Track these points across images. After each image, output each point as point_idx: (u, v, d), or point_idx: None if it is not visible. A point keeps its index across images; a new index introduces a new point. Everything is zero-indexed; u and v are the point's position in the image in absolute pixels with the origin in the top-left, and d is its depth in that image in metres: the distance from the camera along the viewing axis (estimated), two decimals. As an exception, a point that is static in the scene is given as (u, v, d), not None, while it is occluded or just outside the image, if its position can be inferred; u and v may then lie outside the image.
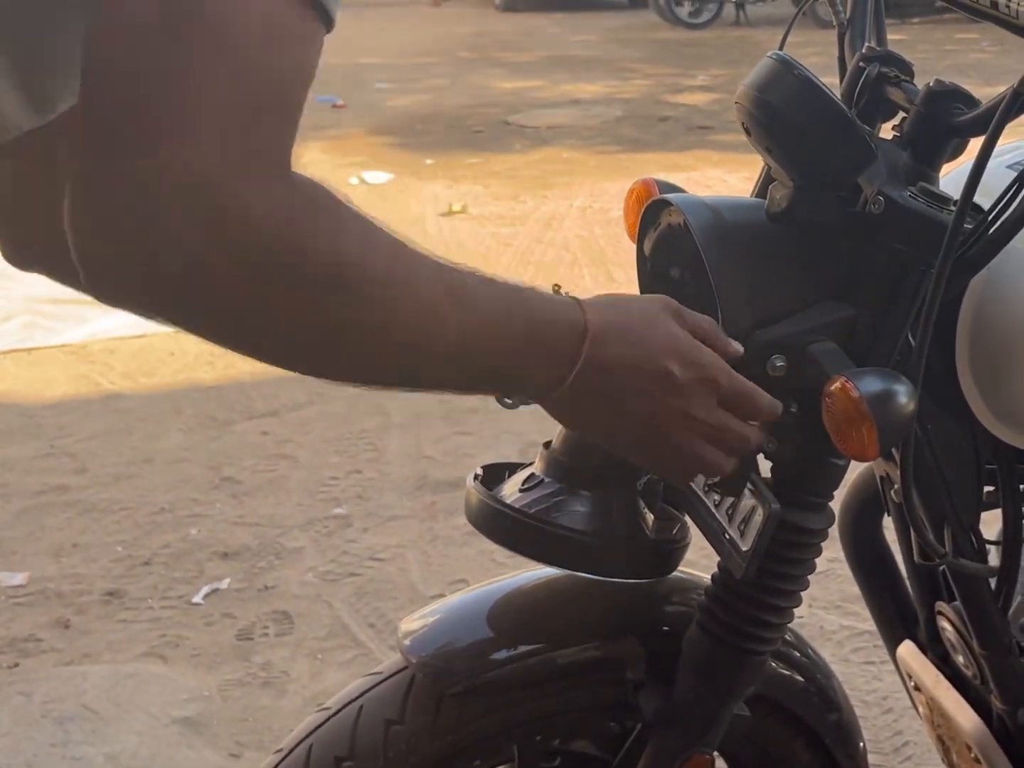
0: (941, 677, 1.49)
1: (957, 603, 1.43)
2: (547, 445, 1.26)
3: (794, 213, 1.12)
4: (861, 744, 1.41)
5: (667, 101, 9.42)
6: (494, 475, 1.28)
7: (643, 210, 1.23)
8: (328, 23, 0.78)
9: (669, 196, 1.18)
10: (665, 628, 1.28)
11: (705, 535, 1.21)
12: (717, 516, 1.18)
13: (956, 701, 1.45)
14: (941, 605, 1.47)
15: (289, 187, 0.76)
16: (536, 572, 1.34)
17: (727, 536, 1.16)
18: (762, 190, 1.32)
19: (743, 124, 1.12)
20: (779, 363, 1.10)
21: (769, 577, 1.17)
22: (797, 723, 1.35)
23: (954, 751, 1.52)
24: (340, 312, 0.80)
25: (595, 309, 0.95)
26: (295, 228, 0.76)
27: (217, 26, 0.71)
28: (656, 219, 1.22)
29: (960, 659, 1.47)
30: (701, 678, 1.22)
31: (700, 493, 1.21)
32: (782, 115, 1.08)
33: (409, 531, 3.19)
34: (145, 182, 0.71)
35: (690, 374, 0.98)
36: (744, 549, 1.14)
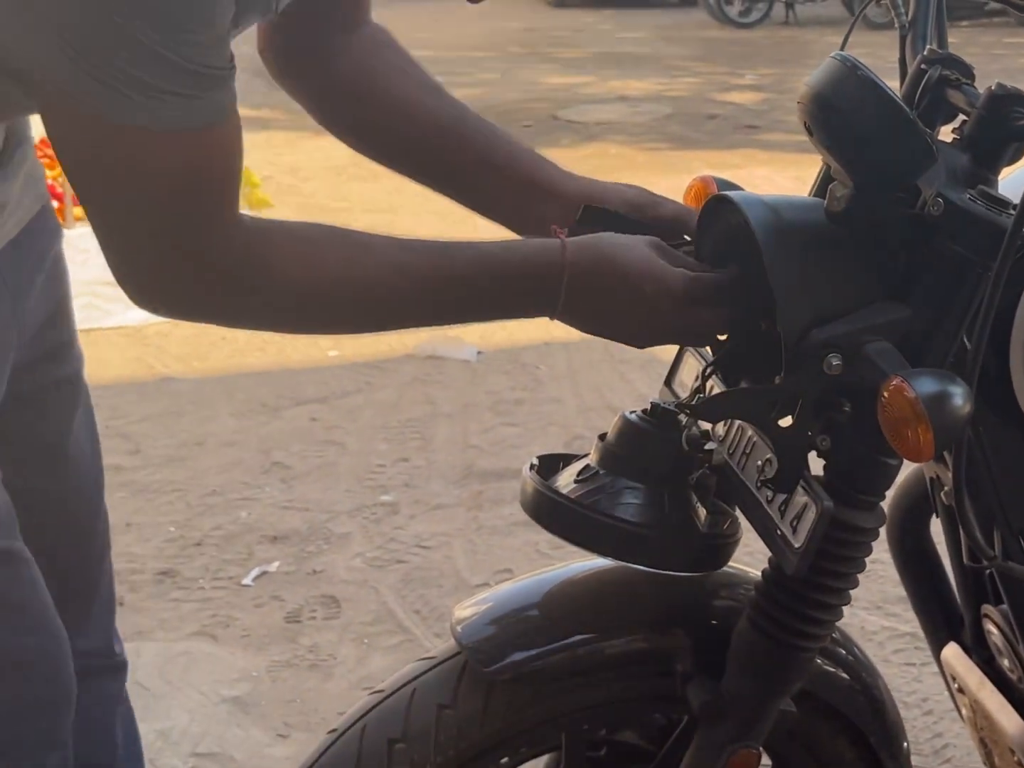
0: (986, 680, 1.48)
1: (1004, 606, 1.42)
2: (602, 437, 1.26)
3: (853, 213, 1.12)
4: (905, 744, 1.40)
5: (715, 99, 9.37)
6: (549, 465, 1.29)
7: (702, 207, 1.23)
8: (198, 123, 0.98)
9: (729, 193, 1.18)
10: (714, 622, 1.27)
11: (756, 530, 1.20)
12: (769, 512, 1.18)
13: (1000, 704, 1.44)
14: (988, 608, 1.46)
15: (232, 234, 1.03)
16: (585, 563, 1.35)
17: (779, 532, 1.15)
18: (820, 189, 1.32)
19: (804, 123, 1.12)
20: (835, 361, 1.09)
21: (819, 574, 1.16)
22: (842, 721, 1.34)
23: (996, 754, 1.51)
24: (314, 311, 1.09)
25: (575, 244, 1.14)
26: (247, 275, 1.04)
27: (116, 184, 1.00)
28: (715, 216, 1.22)
29: (1006, 663, 1.46)
30: (749, 673, 1.22)
31: (752, 488, 1.21)
32: (844, 115, 1.08)
33: (455, 520, 3.20)
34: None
35: (658, 287, 1.14)
36: (796, 546, 1.13)
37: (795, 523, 1.14)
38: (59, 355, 1.40)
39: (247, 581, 2.95)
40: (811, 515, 1.12)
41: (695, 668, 1.25)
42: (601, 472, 1.23)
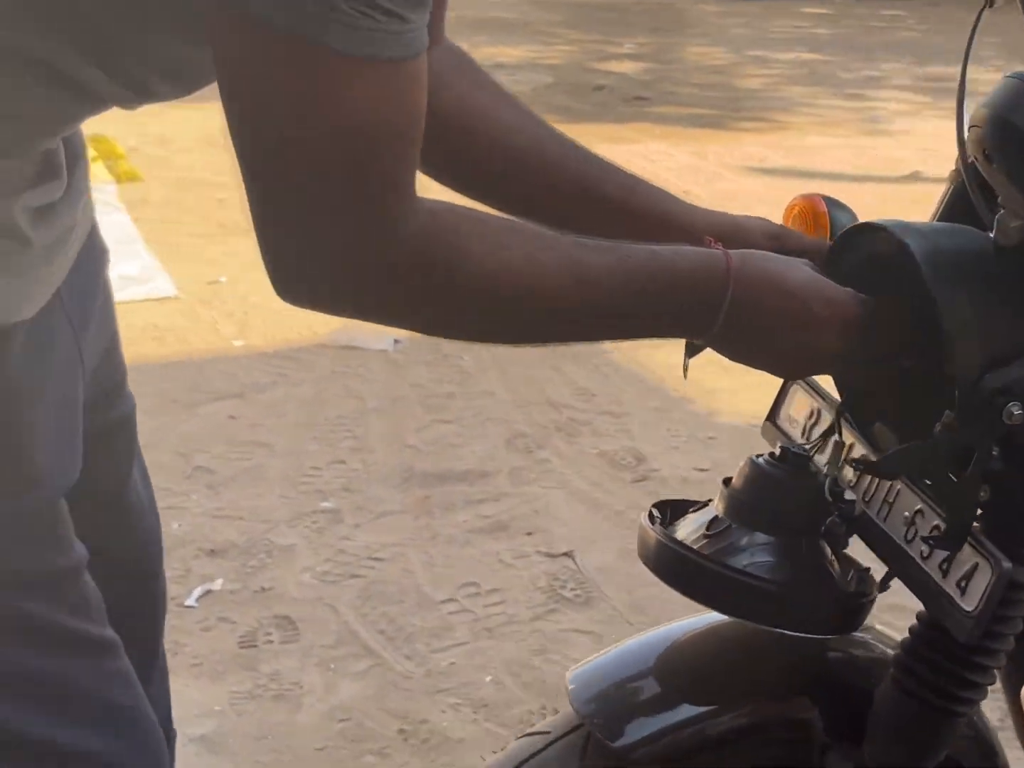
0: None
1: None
2: (727, 483, 1.18)
3: (1028, 246, 1.05)
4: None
5: (596, 69, 9.32)
6: (666, 512, 1.20)
7: (841, 235, 1.15)
8: (406, 54, 0.85)
9: (883, 222, 1.10)
10: (852, 687, 1.20)
11: (910, 588, 1.13)
12: (926, 569, 1.11)
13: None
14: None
15: (419, 208, 0.90)
16: (698, 618, 1.26)
17: (944, 593, 1.09)
18: (946, 215, 1.25)
19: (983, 150, 1.04)
20: (1016, 411, 1.02)
21: (985, 637, 1.10)
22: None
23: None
24: (479, 308, 0.96)
25: (739, 258, 1.04)
26: (427, 253, 0.91)
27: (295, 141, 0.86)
28: (854, 245, 1.14)
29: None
30: (897, 740, 1.15)
31: (901, 542, 1.14)
32: (1032, 140, 1.01)
33: (405, 528, 3.08)
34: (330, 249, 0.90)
35: (830, 311, 1.07)
36: (968, 610, 1.06)
37: (963, 584, 1.07)
38: (115, 393, 1.25)
39: (190, 602, 2.79)
40: (985, 577, 1.05)
41: (832, 737, 1.18)
42: (732, 525, 1.14)
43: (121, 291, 4.64)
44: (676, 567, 1.13)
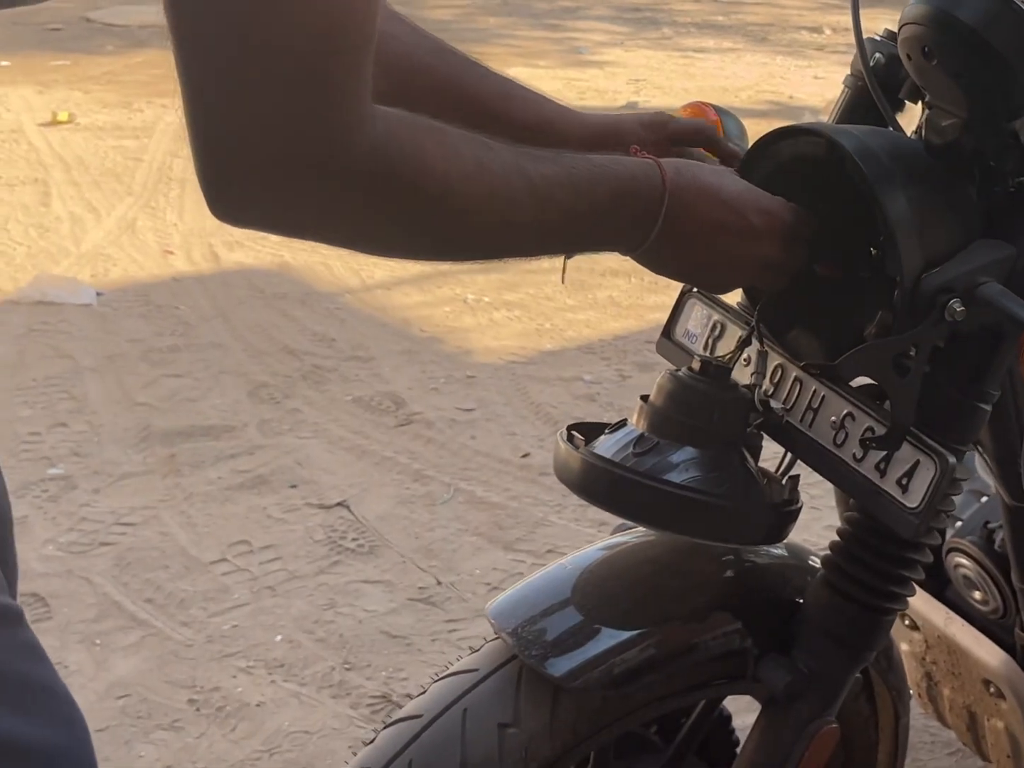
0: (953, 615, 1.56)
1: (973, 537, 1.51)
2: (644, 399, 1.21)
3: (963, 145, 1.12)
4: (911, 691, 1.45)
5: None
6: (583, 434, 1.22)
7: (760, 139, 1.19)
8: None
9: (810, 125, 1.15)
10: (776, 596, 1.26)
11: (846, 491, 1.20)
12: (861, 471, 1.17)
13: (975, 637, 1.52)
14: (956, 540, 1.54)
15: (374, 113, 0.88)
16: (616, 538, 1.30)
17: (885, 492, 1.15)
18: (844, 120, 1.32)
19: (922, 48, 1.10)
20: (958, 307, 1.09)
21: (923, 533, 1.17)
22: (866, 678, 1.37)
23: (951, 688, 1.60)
24: (430, 218, 0.94)
25: (673, 169, 1.08)
26: (381, 171, 0.89)
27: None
28: (771, 148, 1.18)
29: (977, 595, 1.54)
30: (832, 641, 1.22)
31: (831, 447, 1.19)
32: (979, 37, 1.07)
33: (153, 490, 2.98)
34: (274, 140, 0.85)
35: (765, 219, 1.12)
36: (912, 507, 1.13)
37: (904, 482, 1.14)
38: None
39: (-84, 587, 2.62)
40: (928, 473, 1.12)
41: (765, 646, 1.23)
42: (660, 441, 1.17)
43: None
44: (610, 487, 1.15)
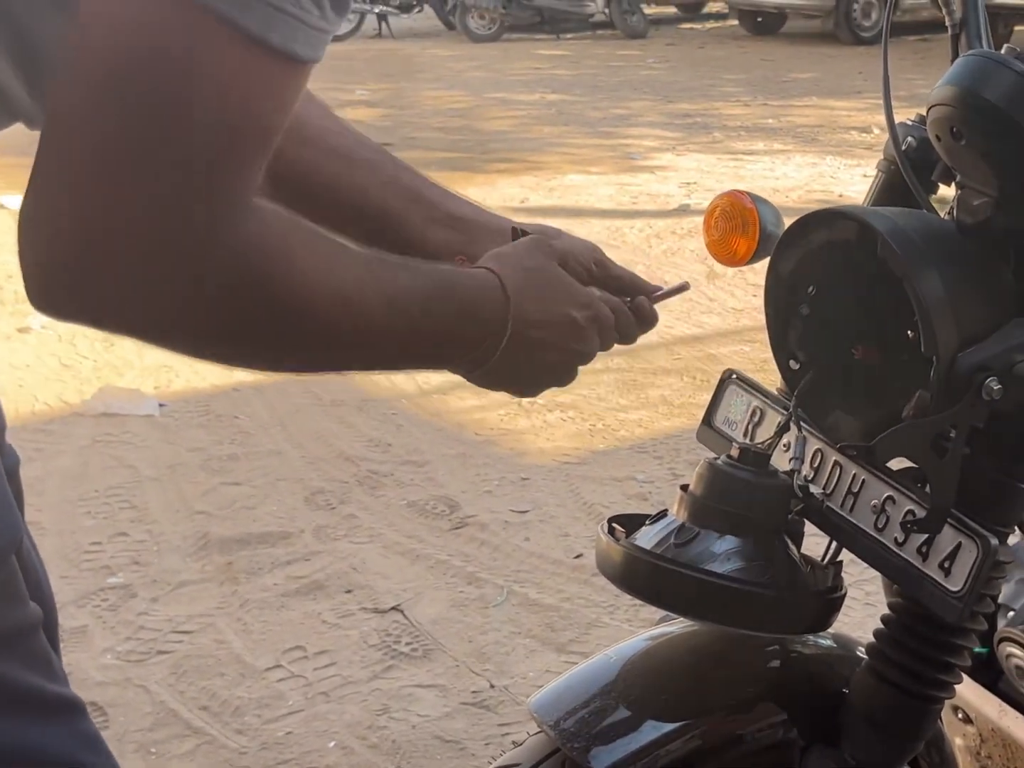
0: (1007, 707, 1.51)
1: (1026, 627, 1.47)
2: (684, 488, 1.20)
3: (995, 224, 1.11)
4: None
5: (333, 117, 9.34)
6: (624, 526, 1.21)
7: (795, 223, 1.19)
8: (296, 58, 0.81)
9: (842, 208, 1.14)
10: (822, 686, 1.23)
11: (889, 576, 1.17)
12: (903, 555, 1.15)
13: (1031, 730, 1.48)
14: (1009, 630, 1.50)
15: (246, 225, 0.82)
16: (658, 630, 1.28)
17: (928, 577, 1.13)
18: (879, 203, 1.32)
19: (951, 128, 1.10)
20: (995, 386, 1.08)
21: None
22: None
23: (1012, 784, 1.55)
24: (294, 332, 0.89)
25: (506, 273, 1.05)
26: (253, 272, 0.83)
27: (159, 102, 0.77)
28: (805, 234, 1.18)
29: (1031, 686, 1.50)
30: (878, 732, 1.18)
31: (872, 531, 1.17)
32: (1005, 115, 1.07)
33: (210, 597, 2.98)
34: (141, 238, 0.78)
35: (587, 314, 1.11)
36: (955, 590, 1.11)
37: (947, 565, 1.12)
38: None
39: (-24, 697, 2.62)
40: (970, 556, 1.10)
41: (811, 737, 1.20)
42: (700, 531, 1.16)
43: None
44: (652, 578, 1.13)
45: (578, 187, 6.73)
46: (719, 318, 4.96)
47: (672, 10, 16.59)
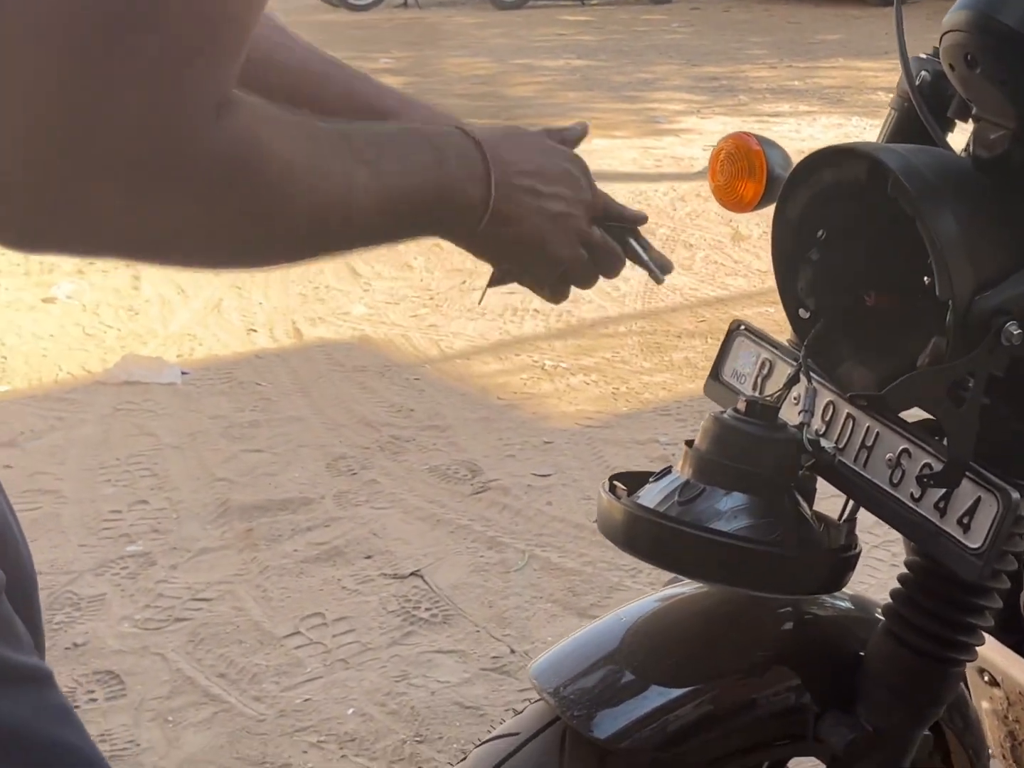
0: (1036, 669, 1.45)
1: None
2: (689, 444, 1.13)
3: (1013, 157, 1.04)
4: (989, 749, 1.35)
5: (357, 85, 9.27)
6: (627, 485, 1.14)
7: (802, 161, 1.12)
8: None
9: (852, 144, 1.08)
10: (836, 649, 1.17)
11: (904, 533, 1.11)
12: (920, 511, 1.08)
13: (1062, 692, 1.41)
14: (1036, 591, 1.43)
15: (224, 121, 0.78)
16: (665, 592, 1.22)
17: (945, 533, 1.06)
18: (895, 140, 1.25)
19: (965, 56, 1.03)
20: (1015, 330, 1.01)
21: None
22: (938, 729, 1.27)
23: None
24: (281, 212, 0.85)
25: (473, 130, 1.01)
26: (238, 157, 0.79)
27: None
28: (813, 174, 1.11)
29: (1060, 648, 1.43)
30: (897, 696, 1.12)
31: (887, 487, 1.11)
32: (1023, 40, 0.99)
33: (229, 564, 2.94)
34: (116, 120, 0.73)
35: (580, 164, 1.09)
36: (975, 547, 1.04)
37: (966, 520, 1.05)
38: None
39: (-6, 666, 2.59)
40: (990, 511, 1.03)
41: (825, 703, 1.14)
42: (706, 488, 1.09)
43: None
44: (654, 539, 1.07)
45: (602, 151, 6.63)
46: (744, 280, 4.88)
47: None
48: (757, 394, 1.24)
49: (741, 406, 1.13)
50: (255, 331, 4.51)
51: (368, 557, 2.91)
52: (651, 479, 1.15)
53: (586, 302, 4.49)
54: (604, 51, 10.35)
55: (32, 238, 0.76)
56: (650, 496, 1.12)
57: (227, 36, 0.77)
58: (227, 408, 3.88)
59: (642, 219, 1.18)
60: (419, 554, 2.90)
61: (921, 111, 1.16)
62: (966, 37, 1.02)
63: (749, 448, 1.10)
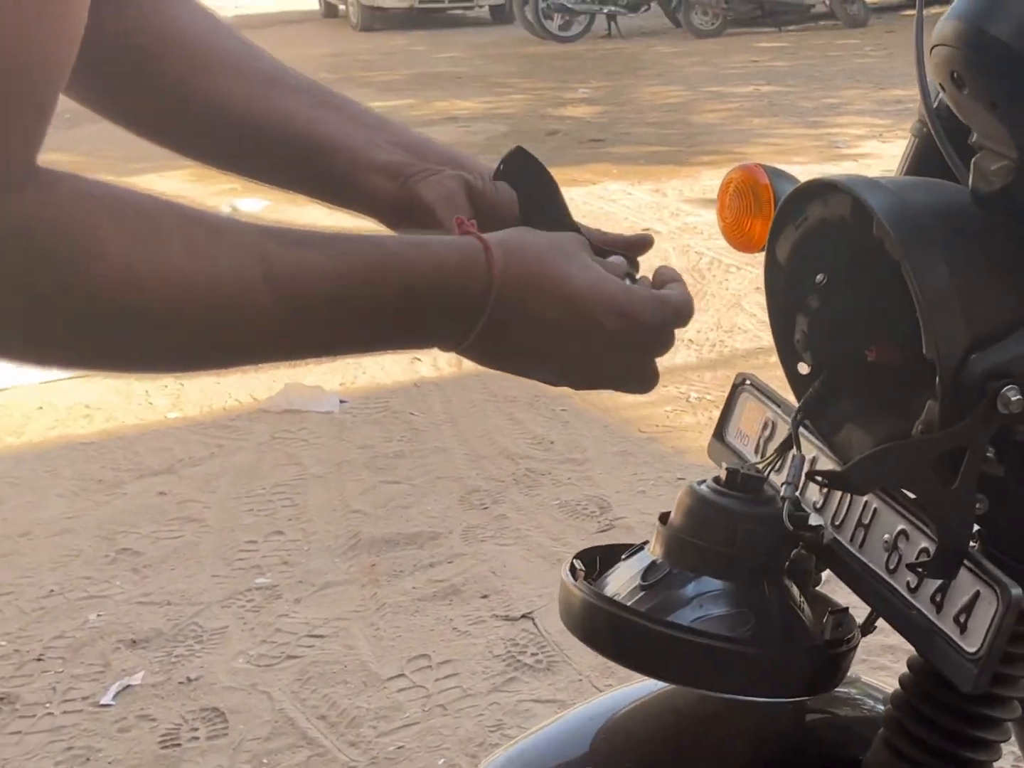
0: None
1: None
2: (663, 519, 0.97)
3: (1015, 193, 0.85)
4: None
5: (551, 115, 9.22)
6: (592, 563, 0.99)
7: (785, 199, 0.95)
8: None
9: (834, 178, 0.90)
10: (835, 755, 0.99)
11: (897, 628, 0.92)
12: (915, 604, 0.90)
13: None
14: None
15: (42, 180, 0.66)
16: (637, 686, 1.05)
17: (940, 632, 0.88)
18: (911, 173, 1.06)
19: (951, 74, 0.85)
20: (1014, 396, 0.82)
21: (994, 683, 0.89)
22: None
23: None
24: (117, 325, 0.69)
25: (503, 249, 0.82)
26: (35, 251, 0.65)
27: None
28: (800, 212, 0.94)
29: None
30: (900, 819, 0.94)
31: (883, 573, 0.93)
32: (1014, 54, 0.81)
33: (349, 600, 2.86)
34: None
35: (625, 325, 0.86)
36: (972, 651, 0.85)
37: (963, 619, 0.87)
38: None
39: (106, 700, 2.55)
40: (989, 608, 0.85)
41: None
42: (674, 570, 0.93)
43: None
44: (606, 630, 0.92)
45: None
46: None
47: (895, -3, 15.94)
48: (759, 457, 1.07)
49: (722, 475, 0.97)
50: (419, 360, 4.45)
51: (484, 596, 2.78)
52: (623, 556, 1.00)
53: (741, 332, 4.29)
54: (794, 76, 10.06)
55: None
56: (616, 579, 0.97)
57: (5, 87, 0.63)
58: (376, 438, 3.82)
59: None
60: (533, 595, 2.76)
61: (938, 137, 0.98)
62: (952, 52, 0.84)
63: (723, 524, 0.93)
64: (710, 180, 6.62)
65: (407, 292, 0.78)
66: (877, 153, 6.87)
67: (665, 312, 0.88)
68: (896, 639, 0.96)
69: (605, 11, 14.10)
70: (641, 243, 1.00)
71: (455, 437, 3.75)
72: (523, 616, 2.68)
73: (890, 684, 1.10)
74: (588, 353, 0.87)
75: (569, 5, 13.82)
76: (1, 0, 0.62)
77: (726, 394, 3.46)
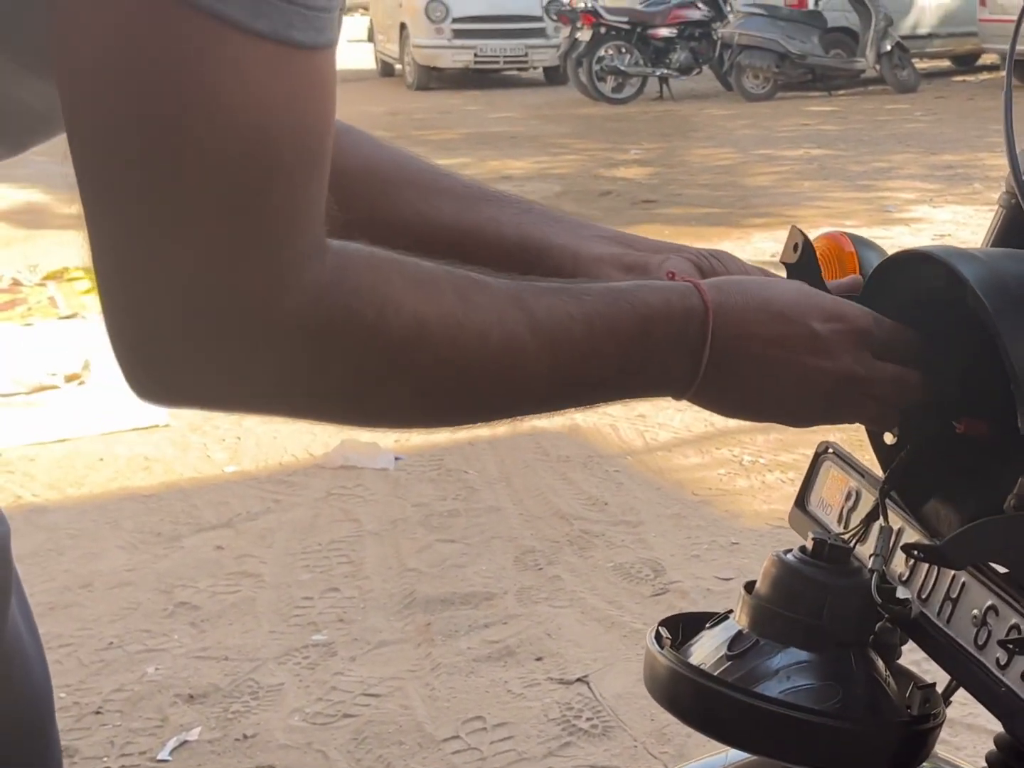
0: None
1: None
2: (749, 588, 0.96)
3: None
4: None
5: (604, 175, 9.25)
6: (677, 630, 0.98)
7: (872, 272, 0.94)
8: (317, 41, 0.66)
9: (927, 249, 0.89)
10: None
11: (986, 705, 0.90)
12: (1005, 680, 0.88)
13: None
14: None
15: (323, 265, 0.69)
16: (721, 756, 1.03)
17: (1030, 709, 0.85)
18: (999, 243, 1.05)
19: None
20: (1105, 476, 0.81)
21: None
22: None
23: None
24: (406, 371, 0.73)
25: (712, 287, 0.86)
26: (338, 315, 0.69)
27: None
28: (890, 282, 0.93)
29: None
30: None
31: (972, 648, 0.91)
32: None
33: (404, 659, 2.84)
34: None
35: (836, 327, 0.88)
36: (1066, 732, 0.83)
37: (1057, 700, 0.84)
38: None
39: (163, 755, 2.54)
40: (1083, 690, 0.83)
41: None
42: (760, 641, 0.92)
43: (107, 421, 4.49)
44: (692, 700, 0.90)
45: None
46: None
47: (945, 63, 15.91)
48: (843, 528, 1.06)
49: (808, 545, 0.95)
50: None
51: (538, 659, 2.76)
52: (708, 624, 0.99)
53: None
54: (844, 140, 10.06)
55: (167, 403, 0.72)
56: (701, 647, 0.95)
57: (292, 157, 0.66)
58: (431, 496, 3.81)
59: None
60: (588, 658, 2.73)
61: (1026, 207, 0.97)
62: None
63: (811, 596, 0.92)
64: (761, 242, 6.62)
65: (642, 323, 0.81)
66: (928, 218, 6.85)
67: (868, 315, 0.90)
68: (978, 715, 0.94)
69: (657, 74, 14.19)
70: (855, 286, 1.00)
71: (509, 496, 3.73)
72: (578, 680, 2.65)
73: (971, 762, 1.08)
74: (806, 365, 0.88)
75: (622, 68, 13.92)
76: (310, 76, 0.66)
77: (779, 457, 3.45)
